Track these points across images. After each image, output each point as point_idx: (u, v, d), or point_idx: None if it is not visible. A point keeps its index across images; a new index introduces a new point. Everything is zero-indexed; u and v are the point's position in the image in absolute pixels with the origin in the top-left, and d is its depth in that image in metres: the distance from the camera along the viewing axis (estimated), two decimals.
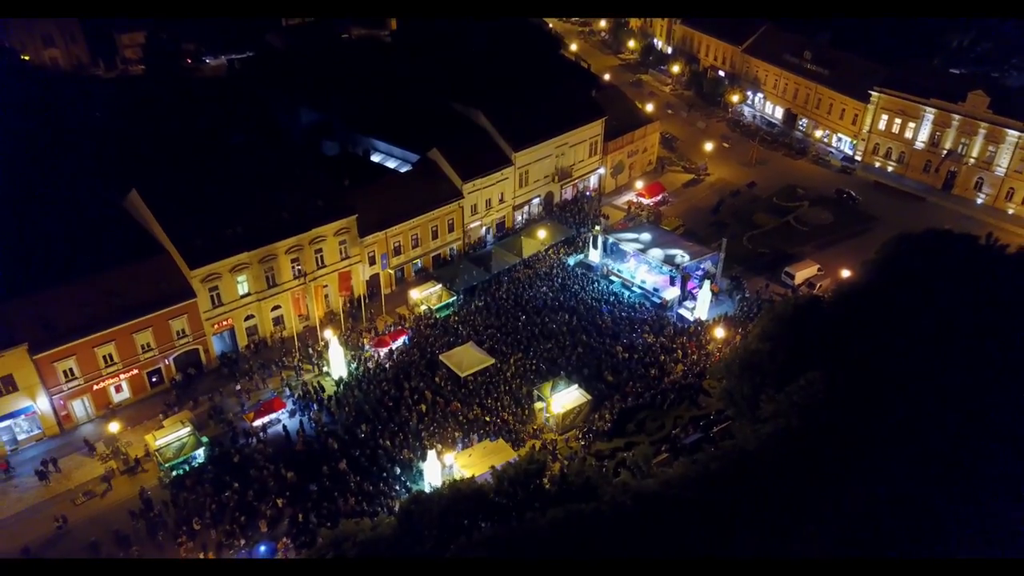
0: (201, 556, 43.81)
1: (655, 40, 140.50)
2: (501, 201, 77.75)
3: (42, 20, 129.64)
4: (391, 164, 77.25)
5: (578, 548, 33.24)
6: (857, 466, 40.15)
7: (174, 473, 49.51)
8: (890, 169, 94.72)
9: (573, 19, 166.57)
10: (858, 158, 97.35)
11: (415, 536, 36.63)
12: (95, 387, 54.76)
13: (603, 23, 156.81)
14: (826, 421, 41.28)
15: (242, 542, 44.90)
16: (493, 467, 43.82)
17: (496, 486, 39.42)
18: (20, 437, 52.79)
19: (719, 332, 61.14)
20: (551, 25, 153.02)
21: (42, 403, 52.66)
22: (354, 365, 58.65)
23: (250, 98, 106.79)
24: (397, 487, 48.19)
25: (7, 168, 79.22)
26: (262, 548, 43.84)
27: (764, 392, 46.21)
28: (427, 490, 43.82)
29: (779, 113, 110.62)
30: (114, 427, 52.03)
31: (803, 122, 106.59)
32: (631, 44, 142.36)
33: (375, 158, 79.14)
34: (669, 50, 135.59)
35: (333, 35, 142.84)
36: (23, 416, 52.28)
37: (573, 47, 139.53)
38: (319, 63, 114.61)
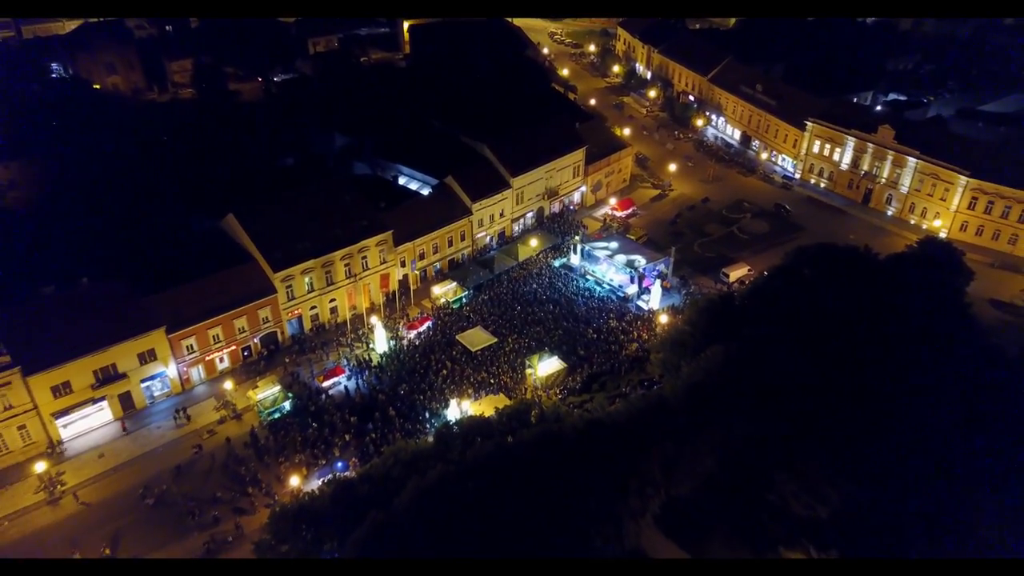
0: (293, 474, 63.61)
1: (637, 65, 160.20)
2: (502, 216, 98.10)
3: (105, 50, 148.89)
4: (414, 186, 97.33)
5: (549, 452, 53.67)
6: (737, 407, 60.48)
7: (270, 418, 69.88)
8: (822, 186, 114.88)
9: (565, 42, 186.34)
10: (797, 176, 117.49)
11: (445, 448, 57.04)
12: (206, 358, 75.32)
13: (592, 47, 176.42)
14: (718, 379, 61.70)
15: (323, 462, 65.28)
16: (496, 408, 64.16)
17: (497, 420, 59.96)
18: (156, 393, 73.39)
19: (664, 318, 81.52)
20: (546, 50, 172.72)
21: (171, 369, 73.23)
22: (393, 343, 79.12)
23: (287, 121, 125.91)
24: (427, 426, 68.44)
25: (110, 188, 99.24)
26: (339, 464, 64.20)
27: (684, 360, 66.67)
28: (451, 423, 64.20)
29: (737, 135, 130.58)
30: (227, 385, 72.71)
31: (756, 144, 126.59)
32: (616, 69, 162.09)
33: (401, 181, 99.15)
34: (648, 75, 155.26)
35: (354, 59, 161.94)
36: (159, 378, 72.85)
37: (565, 71, 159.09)
38: (344, 88, 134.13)
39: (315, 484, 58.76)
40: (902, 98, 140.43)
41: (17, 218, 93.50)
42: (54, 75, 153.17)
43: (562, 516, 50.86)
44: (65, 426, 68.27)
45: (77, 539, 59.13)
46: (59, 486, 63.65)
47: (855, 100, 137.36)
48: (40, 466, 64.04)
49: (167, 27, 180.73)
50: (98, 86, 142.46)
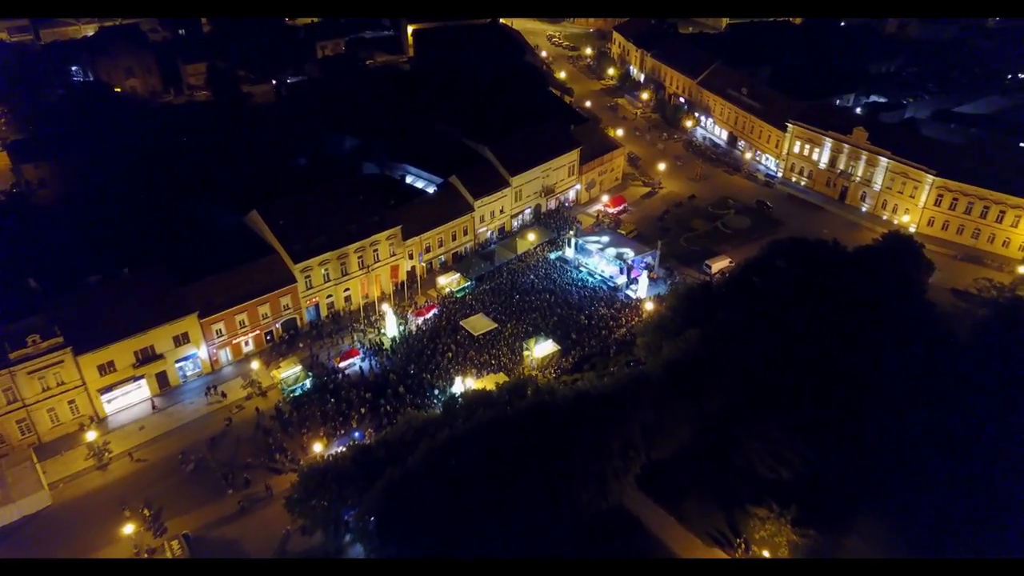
0: (316, 442, 71.10)
1: (631, 68, 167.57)
2: (502, 212, 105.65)
3: (125, 55, 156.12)
4: (420, 184, 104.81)
5: (543, 418, 61.27)
6: (710, 382, 68.07)
7: (292, 395, 77.47)
8: (802, 184, 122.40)
9: (563, 45, 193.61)
10: (779, 175, 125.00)
11: (451, 416, 64.65)
12: (233, 341, 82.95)
13: (589, 50, 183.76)
14: (694, 357, 69.31)
15: (342, 432, 72.91)
16: (496, 384, 71.74)
17: (497, 393, 67.61)
18: (188, 373, 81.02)
19: (650, 306, 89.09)
20: (544, 53, 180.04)
21: (202, 351, 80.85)
22: (402, 328, 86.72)
23: (298, 123, 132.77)
24: (435, 401, 75.97)
25: (134, 187, 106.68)
26: (356, 434, 71.87)
27: (665, 341, 74.25)
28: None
29: (724, 136, 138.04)
30: (254, 365, 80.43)
31: (741, 144, 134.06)
32: (611, 71, 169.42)
33: (409, 180, 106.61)
34: (642, 78, 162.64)
35: (360, 63, 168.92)
36: (191, 359, 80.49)
37: (562, 74, 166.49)
38: (352, 91, 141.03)
39: (336, 451, 66.38)
40: (882, 100, 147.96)
41: (51, 214, 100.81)
42: (75, 79, 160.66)
43: (554, 473, 58.54)
44: (109, 401, 75.97)
45: (125, 499, 66.79)
46: (107, 454, 71.35)
47: (838, 102, 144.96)
48: (91, 435, 71.72)
49: (180, 31, 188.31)
50: (119, 89, 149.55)
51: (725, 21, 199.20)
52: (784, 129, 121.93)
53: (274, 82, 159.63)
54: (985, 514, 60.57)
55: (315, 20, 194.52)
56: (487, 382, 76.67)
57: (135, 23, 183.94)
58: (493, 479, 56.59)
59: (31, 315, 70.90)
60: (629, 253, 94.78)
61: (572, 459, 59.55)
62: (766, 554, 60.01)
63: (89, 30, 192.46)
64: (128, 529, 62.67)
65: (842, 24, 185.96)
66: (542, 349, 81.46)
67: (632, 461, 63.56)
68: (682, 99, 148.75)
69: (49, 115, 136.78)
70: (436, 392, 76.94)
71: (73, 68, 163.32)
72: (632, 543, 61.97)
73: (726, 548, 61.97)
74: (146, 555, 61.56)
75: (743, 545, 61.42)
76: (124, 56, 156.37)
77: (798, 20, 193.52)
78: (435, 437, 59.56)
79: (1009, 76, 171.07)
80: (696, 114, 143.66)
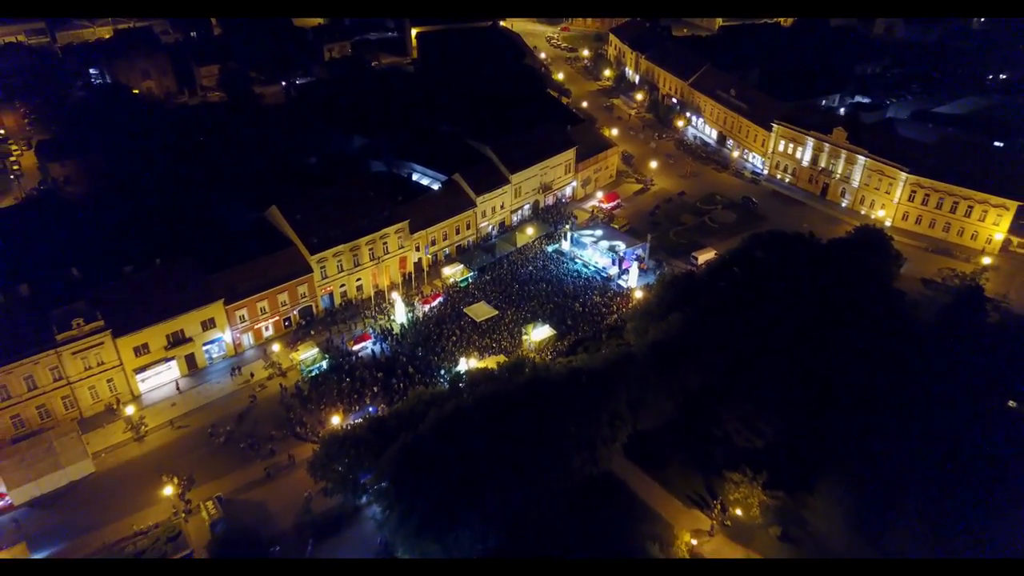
0: (334, 415, 78.08)
1: (627, 69, 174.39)
2: (502, 208, 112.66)
3: (142, 57, 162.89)
4: (426, 182, 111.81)
5: (539, 391, 68.27)
6: (691, 360, 75.09)
7: (310, 375, 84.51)
8: (786, 181, 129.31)
9: (562, 46, 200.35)
10: (765, 172, 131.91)
11: (457, 390, 71.63)
12: (255, 326, 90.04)
13: (586, 52, 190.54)
14: (677, 338, 76.32)
15: (357, 407, 79.98)
16: (497, 363, 78.79)
17: (498, 370, 74.63)
18: (214, 355, 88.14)
19: (639, 294, 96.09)
20: (543, 55, 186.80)
21: (227, 335, 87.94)
22: (410, 314, 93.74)
23: (307, 123, 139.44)
24: (441, 380, 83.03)
25: (155, 183, 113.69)
26: (370, 409, 78.95)
27: (651, 325, 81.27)
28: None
29: (714, 135, 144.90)
30: (275, 348, 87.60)
31: (730, 142, 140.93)
32: (607, 73, 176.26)
33: (415, 177, 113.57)
34: (637, 79, 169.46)
35: (366, 65, 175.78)
36: (217, 343, 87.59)
37: (560, 75, 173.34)
38: (358, 92, 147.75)
39: (352, 422, 73.47)
40: (866, 101, 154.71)
41: (80, 209, 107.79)
42: (93, 80, 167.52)
43: (549, 439, 65.57)
44: (143, 380, 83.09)
45: (161, 467, 73.92)
46: (143, 427, 78.50)
47: (824, 103, 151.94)
48: (129, 410, 78.91)
49: (192, 33, 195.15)
50: (137, 91, 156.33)
51: (719, 22, 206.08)
52: (769, 129, 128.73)
53: (283, 84, 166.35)
54: (936, 473, 67.52)
55: (322, 23, 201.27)
56: (489, 363, 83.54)
57: (148, 25, 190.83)
58: (494, 444, 63.49)
59: (74, 301, 77.98)
60: (621, 246, 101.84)
61: (565, 427, 66.52)
62: (739, 513, 66.96)
63: (103, 32, 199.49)
64: (167, 491, 69.78)
65: (830, 26, 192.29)
66: (539, 334, 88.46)
67: (619, 430, 70.55)
68: (674, 100, 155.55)
69: (71, 116, 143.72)
70: (442, 372, 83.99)
71: (91, 70, 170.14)
72: (619, 504, 69.00)
73: (704, 509, 68.98)
74: (183, 515, 68.63)
75: (719, 506, 68.38)
76: (140, 59, 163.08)
77: (787, 23, 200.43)
78: (443, 408, 66.57)
79: (990, 76, 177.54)
80: (687, 114, 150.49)
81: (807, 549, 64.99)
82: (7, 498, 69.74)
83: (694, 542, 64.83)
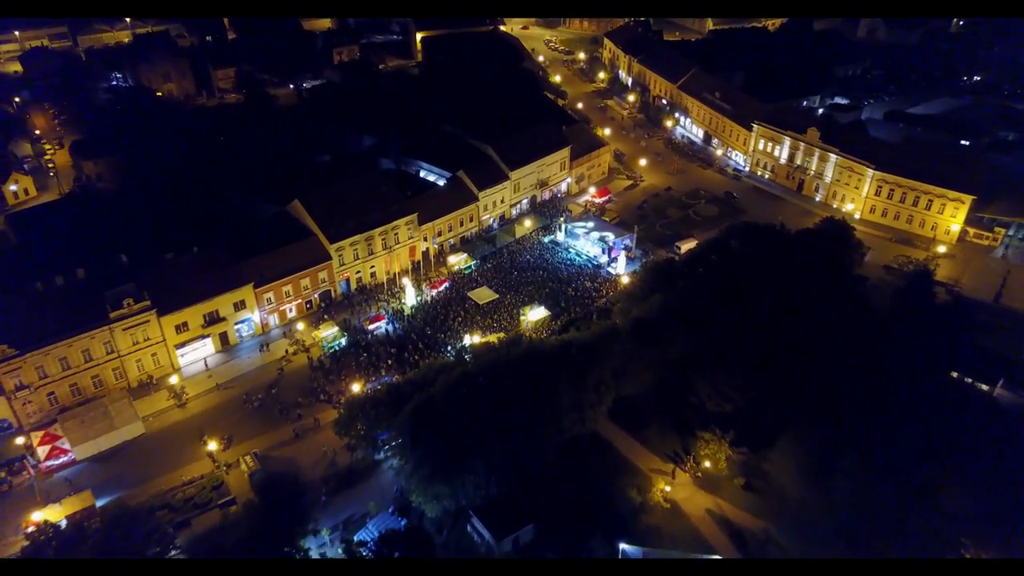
0: (354, 384, 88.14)
1: (620, 72, 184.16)
2: (502, 202, 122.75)
3: (162, 60, 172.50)
4: (432, 178, 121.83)
5: (533, 360, 78.33)
6: (669, 335, 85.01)
7: (331, 350, 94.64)
8: (766, 177, 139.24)
9: (559, 49, 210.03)
10: (746, 169, 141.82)
11: (463, 360, 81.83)
12: (280, 308, 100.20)
13: (582, 55, 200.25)
14: (657, 316, 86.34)
15: (374, 378, 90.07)
16: (498, 338, 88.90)
17: (498, 344, 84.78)
18: (244, 334, 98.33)
19: (626, 279, 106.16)
20: (541, 57, 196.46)
21: (255, 316, 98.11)
22: (419, 298, 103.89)
23: (319, 123, 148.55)
24: (447, 355, 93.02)
25: (181, 180, 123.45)
26: (386, 378, 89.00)
27: (634, 305, 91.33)
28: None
29: (701, 134, 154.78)
30: (300, 326, 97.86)
31: (715, 141, 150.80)
32: (601, 75, 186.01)
33: (422, 174, 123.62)
34: (629, 81, 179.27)
35: (373, 67, 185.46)
36: (246, 322, 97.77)
37: (557, 77, 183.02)
38: (366, 93, 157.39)
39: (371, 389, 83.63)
40: (844, 102, 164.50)
41: (116, 203, 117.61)
42: (116, 83, 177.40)
43: (542, 401, 75.65)
44: (182, 355, 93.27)
45: (202, 429, 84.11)
46: (184, 395, 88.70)
47: (805, 103, 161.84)
48: (173, 379, 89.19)
49: (207, 37, 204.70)
50: (160, 93, 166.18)
51: (709, 24, 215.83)
52: (751, 129, 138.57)
53: (291, 86, 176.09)
54: (877, 431, 77.48)
55: (331, 27, 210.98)
56: (490, 339, 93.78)
57: (164, 30, 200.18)
58: (496, 405, 73.52)
59: (124, 283, 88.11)
60: (610, 236, 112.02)
61: (556, 391, 76.63)
62: (708, 465, 76.99)
63: (123, 36, 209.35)
64: (212, 447, 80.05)
65: (814, 29, 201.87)
66: (535, 315, 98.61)
67: (604, 395, 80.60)
68: (664, 101, 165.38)
69: (99, 116, 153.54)
70: (449, 348, 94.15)
71: (114, 73, 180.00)
72: (605, 459, 78.99)
73: (678, 464, 78.96)
74: (224, 468, 78.78)
75: (692, 460, 78.42)
76: (161, 62, 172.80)
77: (773, 27, 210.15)
78: (450, 374, 76.74)
79: (965, 78, 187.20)
80: (676, 115, 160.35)
81: (767, 497, 75.02)
82: (71, 454, 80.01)
83: (667, 488, 74.89)
